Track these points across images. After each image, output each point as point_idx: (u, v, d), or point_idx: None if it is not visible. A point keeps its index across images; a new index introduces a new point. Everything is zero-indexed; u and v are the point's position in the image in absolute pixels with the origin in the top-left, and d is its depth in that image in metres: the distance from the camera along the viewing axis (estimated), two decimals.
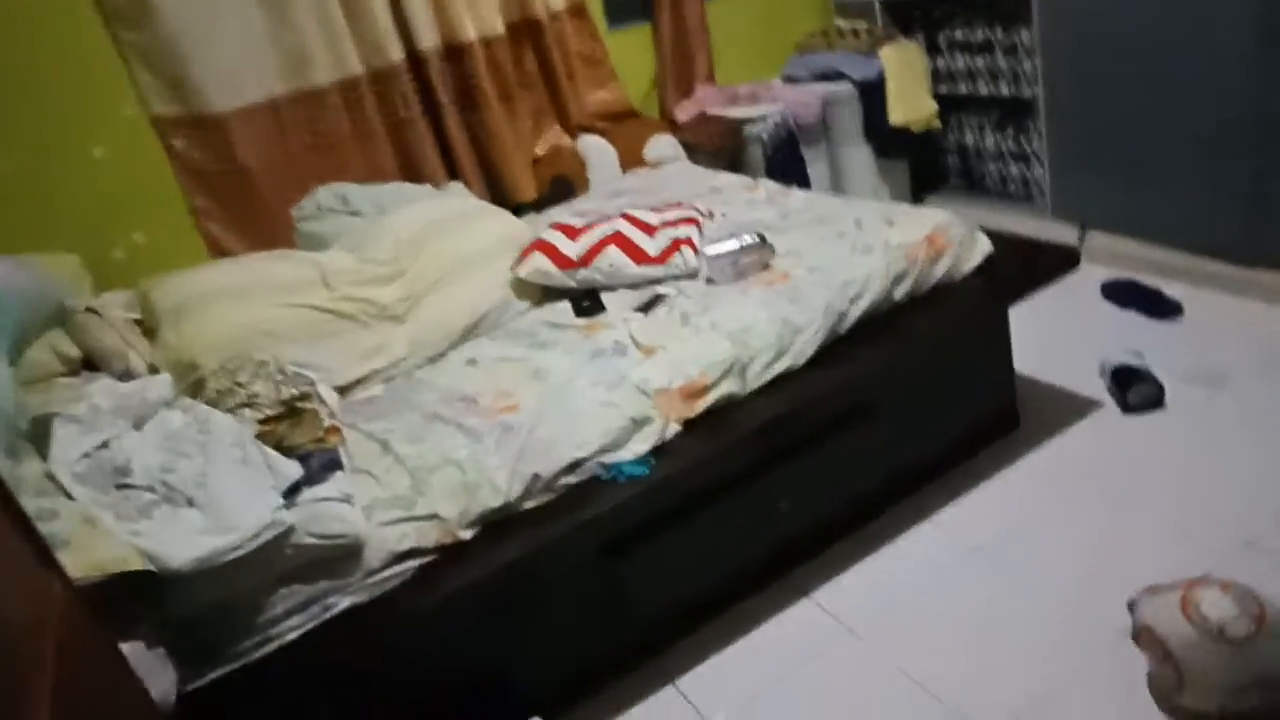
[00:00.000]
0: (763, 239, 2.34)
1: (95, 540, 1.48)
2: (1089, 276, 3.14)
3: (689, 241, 2.42)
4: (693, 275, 2.38)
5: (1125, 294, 3.03)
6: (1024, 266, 2.49)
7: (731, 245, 2.34)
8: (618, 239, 2.43)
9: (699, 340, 2.06)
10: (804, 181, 3.64)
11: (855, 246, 2.31)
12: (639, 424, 1.92)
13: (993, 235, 2.43)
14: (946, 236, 2.32)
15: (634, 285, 2.40)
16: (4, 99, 2.58)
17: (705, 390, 2.00)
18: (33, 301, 2.15)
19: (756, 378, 2.06)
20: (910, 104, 3.82)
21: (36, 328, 2.14)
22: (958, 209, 2.68)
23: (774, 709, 1.87)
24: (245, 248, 2.89)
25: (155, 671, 1.47)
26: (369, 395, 2.18)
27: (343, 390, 2.15)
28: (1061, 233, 3.38)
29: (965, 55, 3.84)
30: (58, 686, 1.14)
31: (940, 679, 1.84)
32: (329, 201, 2.75)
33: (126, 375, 2.03)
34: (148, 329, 2.20)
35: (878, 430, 2.21)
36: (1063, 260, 2.58)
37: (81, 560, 1.40)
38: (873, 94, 3.78)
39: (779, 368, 2.09)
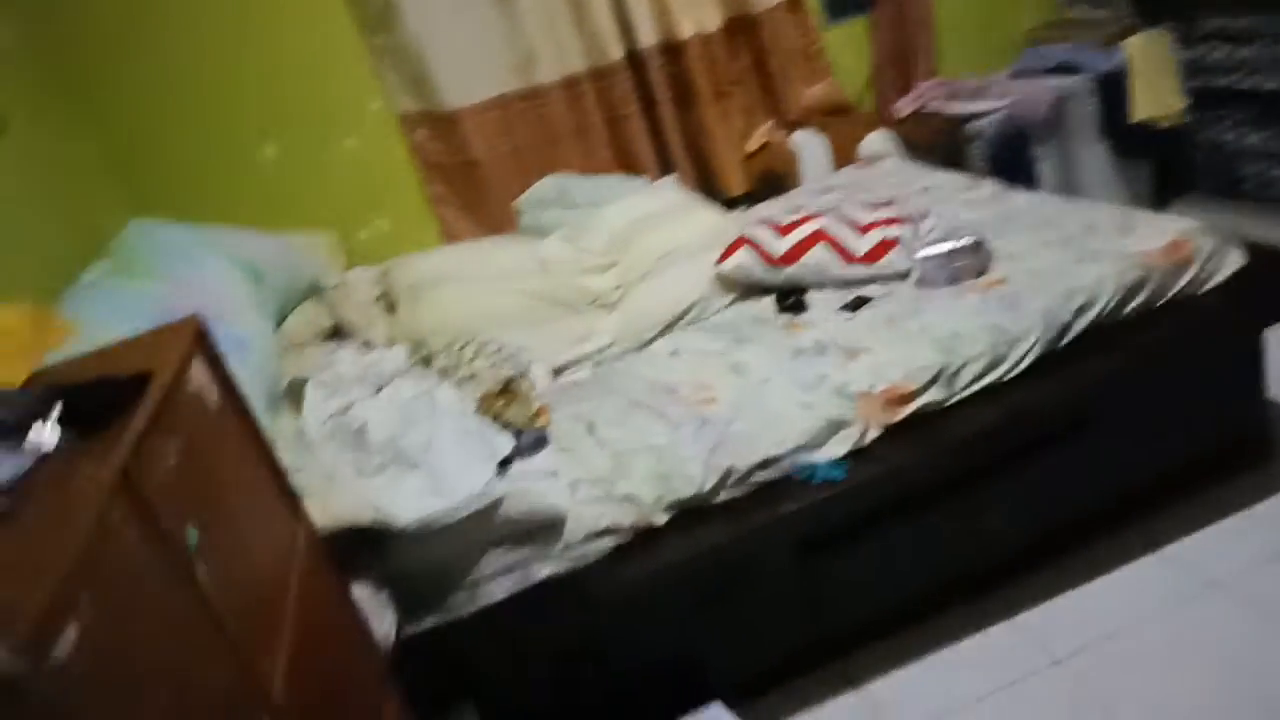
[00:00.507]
0: (979, 242, 2.24)
1: (335, 494, 1.66)
2: None
3: (900, 242, 2.35)
4: (903, 277, 2.31)
5: None
6: None
7: (946, 247, 2.25)
8: (826, 237, 2.40)
9: (905, 345, 2.01)
10: (1030, 182, 3.42)
11: (1084, 253, 2.16)
12: (837, 426, 1.90)
13: (1251, 246, 2.19)
14: (1192, 246, 2.12)
15: (840, 285, 2.37)
16: (273, 95, 2.90)
17: (909, 397, 1.94)
18: (294, 275, 2.43)
19: (965, 387, 1.98)
20: (1156, 99, 3.49)
21: (295, 298, 2.41)
22: (1209, 215, 2.43)
23: None
24: (474, 233, 3.10)
25: (378, 614, 1.63)
26: (576, 378, 2.29)
27: (554, 372, 2.27)
28: None
29: (1225, 45, 3.46)
30: (299, 615, 1.29)
31: None
32: (550, 193, 2.90)
33: (367, 346, 2.25)
34: (388, 305, 2.42)
35: (1099, 450, 2.06)
36: None
37: (323, 511, 1.58)
38: (1112, 88, 3.49)
39: (990, 378, 1.99)
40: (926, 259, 2.26)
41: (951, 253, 2.23)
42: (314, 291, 2.46)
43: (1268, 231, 3.12)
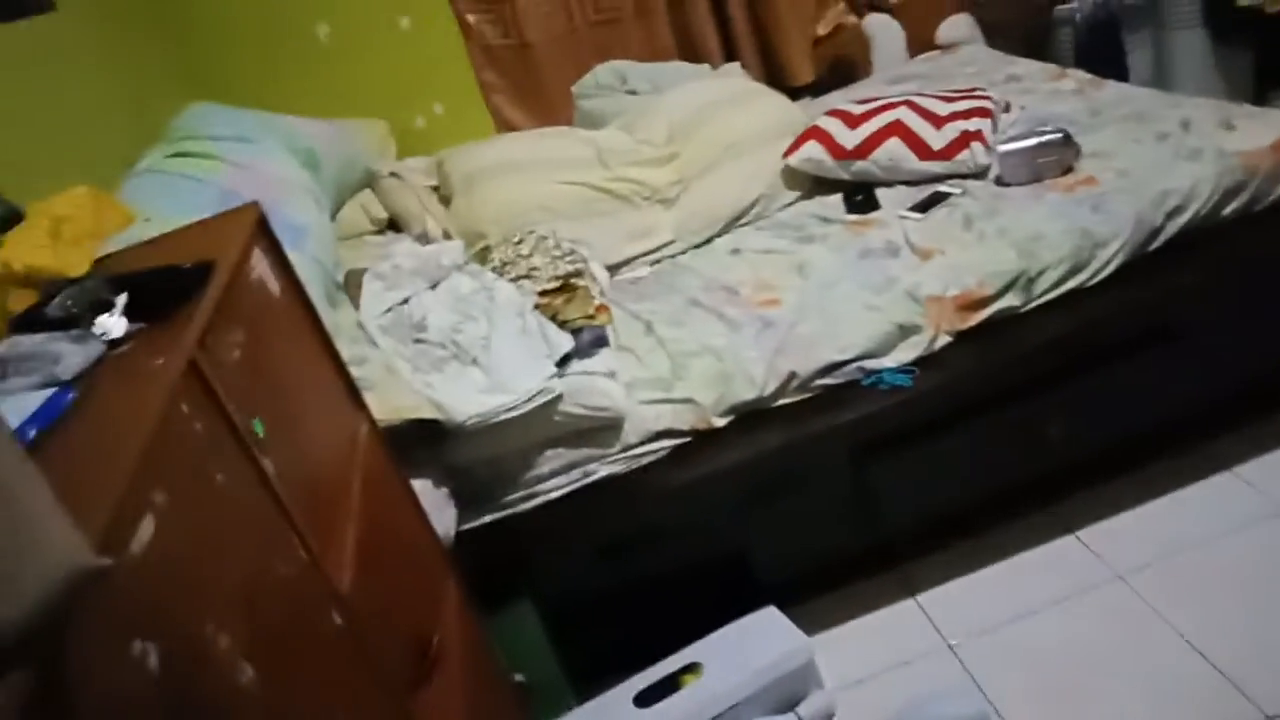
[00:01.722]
0: (1066, 137, 2.10)
1: (395, 387, 1.65)
2: None
3: (979, 136, 2.22)
4: (981, 174, 2.19)
5: None
6: None
7: (1029, 142, 2.12)
8: (900, 129, 2.28)
9: (982, 247, 1.91)
10: (1122, 72, 3.20)
11: (1179, 151, 2.01)
12: (906, 331, 1.84)
13: None
14: None
15: (914, 182, 2.26)
16: None
17: (984, 302, 1.86)
18: (348, 164, 2.38)
19: (1043, 293, 1.89)
20: None
21: (350, 188, 2.37)
22: None
23: (1019, 642, 1.79)
24: (528, 123, 3.01)
25: (438, 508, 1.64)
26: (634, 276, 2.23)
27: (610, 270, 2.22)
28: None
29: None
30: (363, 508, 1.30)
31: (1216, 643, 1.67)
32: (608, 79, 2.78)
33: (423, 238, 2.21)
34: (443, 196, 2.37)
35: (1176, 362, 1.96)
36: None
37: (383, 404, 1.57)
38: None
39: (1071, 284, 1.90)
40: (1008, 155, 2.13)
41: (1035, 148, 2.10)
42: (369, 181, 2.42)
43: None
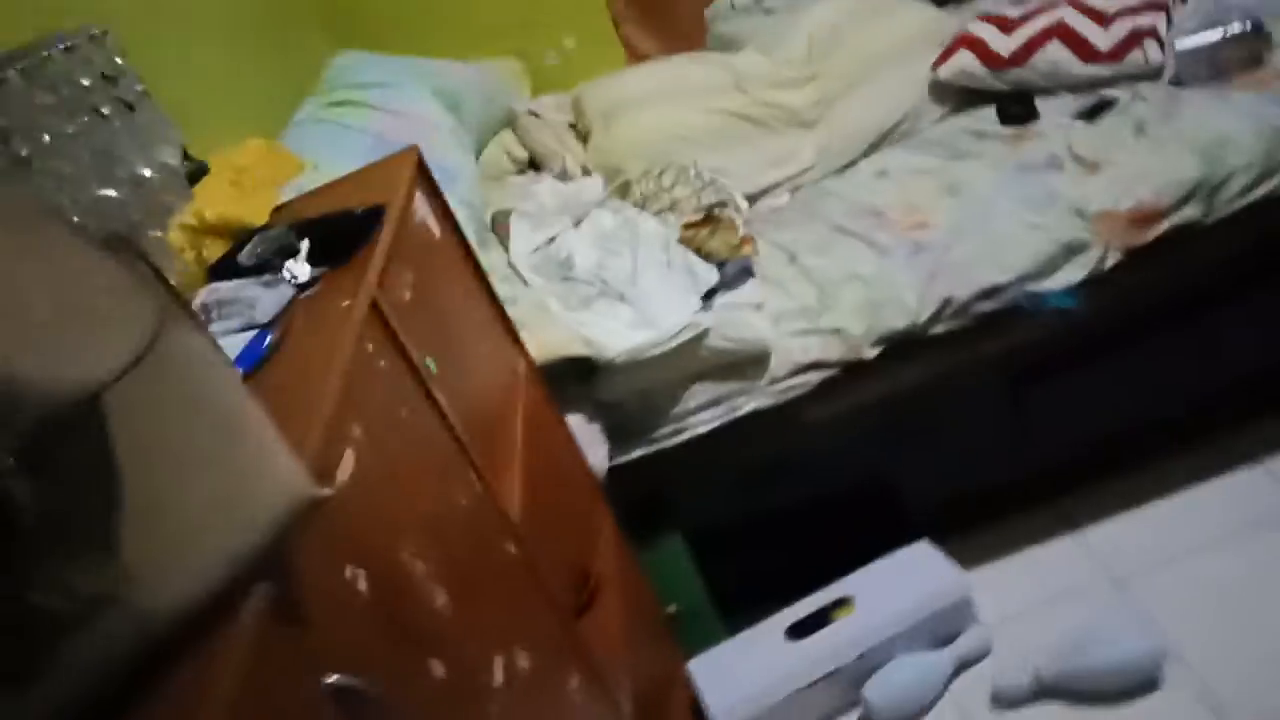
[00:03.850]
0: (1258, 27, 1.89)
1: (547, 325, 1.69)
2: None
3: (1153, 33, 2.03)
4: (1155, 75, 2.00)
5: None
6: None
7: (1212, 36, 1.92)
8: (1061, 31, 2.11)
9: (1157, 155, 1.76)
10: None
11: None
12: (1072, 250, 1.72)
13: None
14: None
15: (1077, 88, 2.09)
16: None
17: (1160, 215, 1.72)
18: (488, 105, 2.41)
19: (1228, 203, 1.73)
20: None
21: (490, 129, 2.40)
22: None
23: (1195, 581, 1.68)
24: (661, 51, 2.94)
25: (592, 443, 1.68)
26: (776, 204, 2.19)
27: (751, 198, 2.17)
28: None
29: None
30: (527, 442, 1.35)
31: None
32: (743, 0, 2.69)
33: (564, 176, 2.23)
34: (581, 132, 2.38)
35: None
36: None
37: (537, 342, 1.61)
38: None
39: (1260, 191, 1.73)
40: (1186, 51, 1.94)
41: (1219, 42, 1.91)
42: (508, 121, 2.44)
43: None
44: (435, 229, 1.35)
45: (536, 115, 2.40)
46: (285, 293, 0.94)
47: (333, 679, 0.62)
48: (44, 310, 0.52)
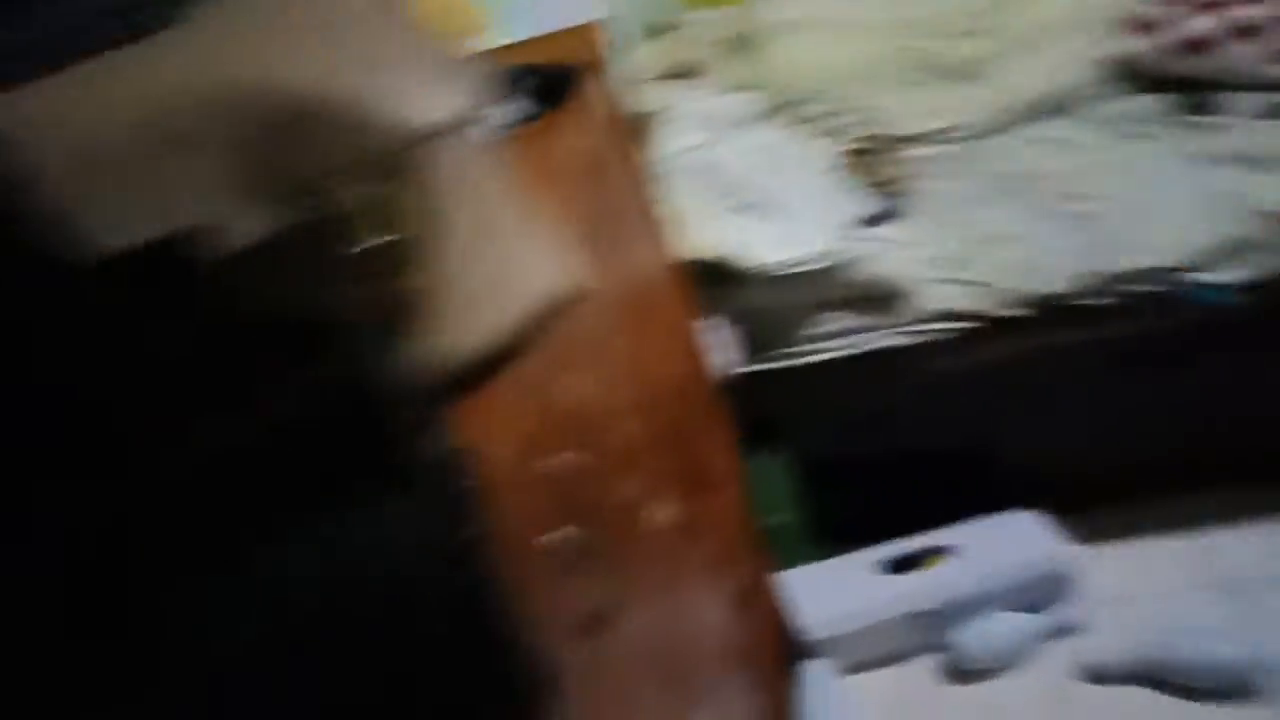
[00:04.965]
0: None
1: (690, 228, 1.69)
2: None
3: None
4: None
5: None
6: None
7: None
8: (1250, 29, 2.01)
9: None
10: None
11: None
12: (1241, 247, 1.67)
13: None
14: None
15: (1259, 86, 2.00)
16: None
17: None
18: (644, 6, 2.39)
19: None
20: None
21: (650, 30, 2.39)
22: None
23: None
24: None
25: (724, 347, 1.69)
26: (929, 153, 2.14)
27: (905, 141, 2.13)
28: None
29: None
30: (676, 333, 1.37)
31: None
32: None
33: (715, 88, 2.20)
34: (740, 47, 2.34)
35: None
36: None
37: (686, 239, 1.62)
38: None
39: None
40: None
41: None
42: (669, 26, 2.42)
43: None
44: (606, 107, 1.36)
45: (695, 25, 2.37)
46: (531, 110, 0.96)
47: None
48: (393, 59, 0.53)
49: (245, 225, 0.39)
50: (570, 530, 0.68)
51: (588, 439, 0.76)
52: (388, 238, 0.54)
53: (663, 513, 0.94)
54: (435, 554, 0.44)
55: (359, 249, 0.45)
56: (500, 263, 0.65)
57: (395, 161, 0.54)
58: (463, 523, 0.47)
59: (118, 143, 0.36)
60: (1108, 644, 1.60)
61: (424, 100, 0.55)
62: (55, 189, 0.32)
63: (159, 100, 0.37)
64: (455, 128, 0.58)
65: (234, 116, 0.40)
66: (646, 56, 2.36)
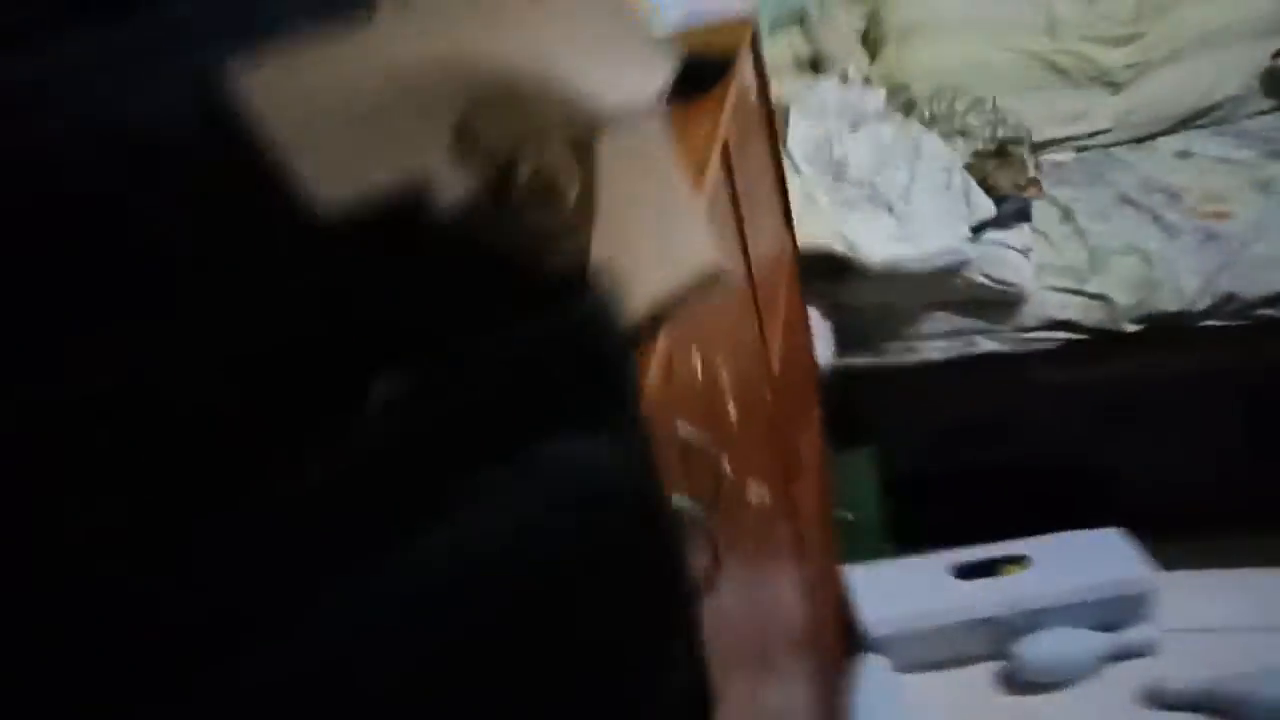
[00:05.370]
0: None
1: (811, 217, 1.72)
2: None
3: None
4: None
5: None
6: None
7: None
8: None
9: None
10: None
11: None
12: None
13: None
14: None
15: None
16: None
17: None
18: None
19: None
20: None
21: (781, 21, 2.40)
22: None
23: None
24: None
25: (823, 337, 1.73)
26: (1058, 159, 2.10)
27: (1037, 146, 2.10)
28: None
29: None
30: (787, 311, 1.41)
31: None
32: None
33: (844, 81, 2.21)
34: (871, 42, 2.34)
35: None
36: None
37: (802, 230, 1.65)
38: None
39: None
40: None
41: None
42: (799, 18, 2.43)
43: None
44: (753, 97, 1.40)
45: (830, 16, 2.38)
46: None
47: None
48: (602, 36, 0.58)
49: (457, 185, 0.43)
50: (682, 497, 0.73)
51: (701, 411, 0.81)
52: (576, 206, 0.58)
53: (755, 492, 0.99)
54: (638, 499, 0.47)
55: (555, 214, 0.51)
56: (665, 237, 0.70)
57: (592, 137, 0.58)
58: (656, 475, 0.51)
59: (353, 109, 0.41)
60: (1175, 672, 1.57)
61: (625, 79, 0.60)
62: (296, 151, 0.37)
63: (383, 71, 0.42)
64: (649, 107, 0.63)
65: (447, 89, 0.45)
66: (776, 47, 2.38)
